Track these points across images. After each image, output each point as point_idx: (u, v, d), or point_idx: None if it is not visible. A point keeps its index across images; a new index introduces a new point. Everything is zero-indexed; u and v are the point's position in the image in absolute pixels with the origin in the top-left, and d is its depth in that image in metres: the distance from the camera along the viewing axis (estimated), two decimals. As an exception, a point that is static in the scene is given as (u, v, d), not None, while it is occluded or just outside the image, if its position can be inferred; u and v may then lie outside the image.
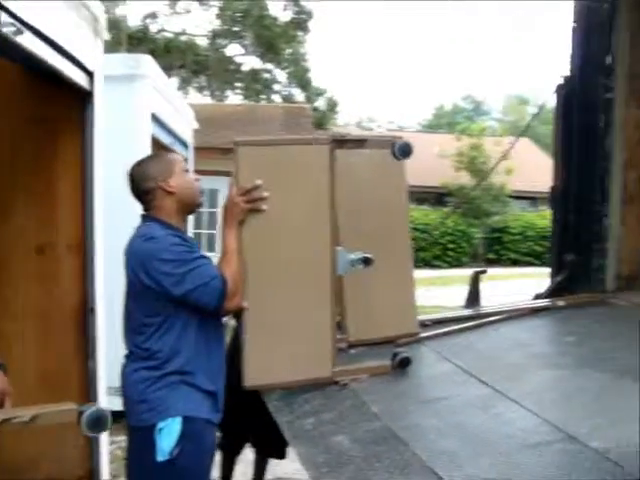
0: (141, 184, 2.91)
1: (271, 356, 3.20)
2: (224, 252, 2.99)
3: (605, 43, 4.80)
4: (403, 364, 3.44)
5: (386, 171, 3.81)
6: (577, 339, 3.91)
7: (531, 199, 24.60)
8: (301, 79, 26.80)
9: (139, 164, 2.98)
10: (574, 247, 4.95)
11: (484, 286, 4.90)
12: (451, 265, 20.80)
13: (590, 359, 3.52)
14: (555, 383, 3.23)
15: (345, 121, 38.26)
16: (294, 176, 3.23)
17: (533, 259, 19.65)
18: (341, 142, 3.45)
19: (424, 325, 4.15)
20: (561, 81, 4.91)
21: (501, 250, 20.16)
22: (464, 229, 20.99)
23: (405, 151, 3.62)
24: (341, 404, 3.12)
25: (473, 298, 4.87)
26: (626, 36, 4.91)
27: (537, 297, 4.90)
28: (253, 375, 3.17)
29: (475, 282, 4.90)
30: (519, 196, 22.65)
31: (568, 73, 4.92)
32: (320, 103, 28.10)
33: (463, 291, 4.99)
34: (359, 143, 3.66)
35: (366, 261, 3.41)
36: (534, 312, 4.52)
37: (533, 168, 22.67)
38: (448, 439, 2.66)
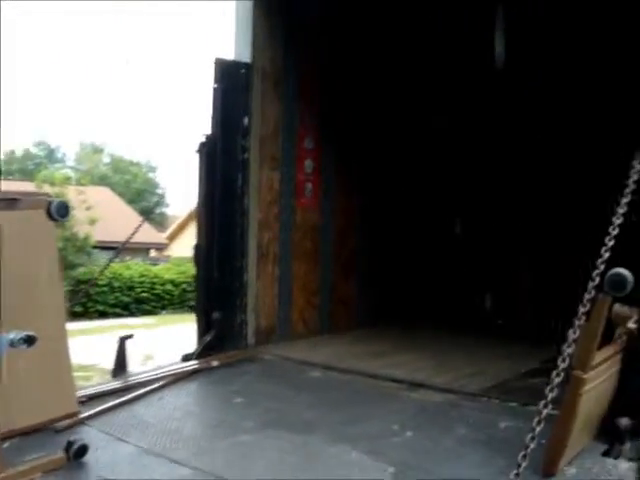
0: None
1: None
2: None
3: (242, 105, 4.96)
4: (80, 453, 3.02)
5: (35, 234, 3.37)
6: (246, 400, 3.86)
7: (115, 249, 24.30)
8: None
9: None
10: (219, 305, 4.94)
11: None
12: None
13: (270, 420, 3.50)
14: (252, 450, 3.11)
15: None
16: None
17: (121, 310, 19.39)
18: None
19: (81, 402, 3.71)
20: (203, 139, 4.91)
21: (88, 303, 19.47)
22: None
23: (62, 211, 3.26)
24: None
25: (121, 365, 4.55)
26: (258, 100, 5.15)
27: (186, 358, 4.75)
28: None
29: (121, 349, 4.58)
30: (103, 247, 22.22)
31: (209, 132, 4.94)
32: None
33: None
34: (11, 203, 3.17)
35: (29, 340, 2.93)
36: (190, 375, 4.38)
37: (115, 218, 22.59)
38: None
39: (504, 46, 4.49)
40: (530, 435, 2.11)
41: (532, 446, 2.10)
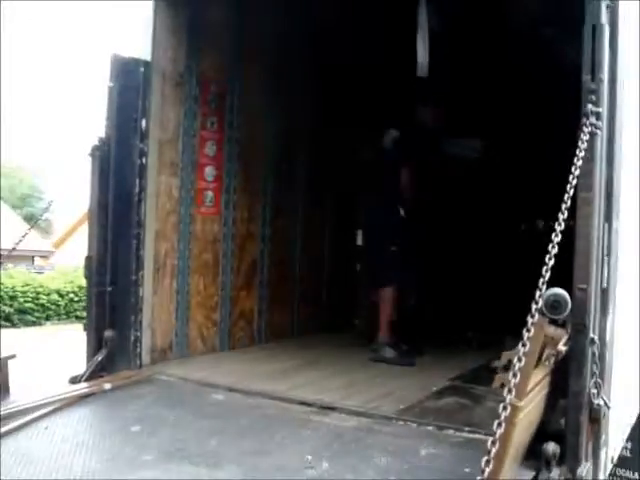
0: None
1: None
2: None
3: (141, 106, 4.60)
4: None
5: None
6: (144, 428, 3.51)
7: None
8: None
9: None
10: (112, 322, 4.55)
11: None
12: None
13: (172, 451, 3.17)
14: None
15: None
16: None
17: (3, 321, 18.29)
18: None
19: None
20: (96, 142, 4.52)
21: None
22: None
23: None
24: None
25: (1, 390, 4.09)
26: (158, 101, 4.81)
27: (74, 381, 4.33)
28: None
29: (2, 371, 4.12)
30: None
31: (103, 134, 4.55)
32: None
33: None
34: None
35: None
36: (80, 399, 3.98)
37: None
38: None
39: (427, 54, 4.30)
40: (480, 478, 1.90)
41: (484, 492, 1.89)
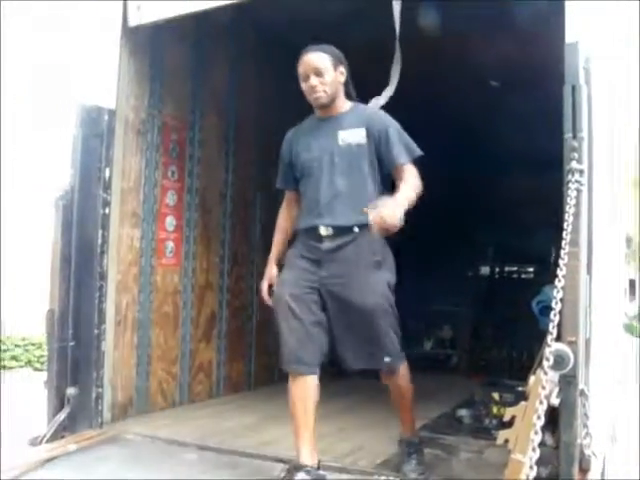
0: None
1: None
2: None
3: (105, 155, 4.49)
4: None
5: None
6: (118, 493, 3.35)
7: None
8: None
9: None
10: (74, 379, 4.36)
11: None
12: None
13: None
14: None
15: None
16: None
17: None
18: None
19: None
20: (60, 192, 4.38)
21: None
22: None
23: None
24: None
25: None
26: (120, 150, 4.72)
27: (35, 443, 4.12)
28: None
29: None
30: None
31: (67, 184, 4.42)
32: None
33: None
34: None
35: None
36: (43, 464, 3.77)
37: None
38: None
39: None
40: None
41: None
